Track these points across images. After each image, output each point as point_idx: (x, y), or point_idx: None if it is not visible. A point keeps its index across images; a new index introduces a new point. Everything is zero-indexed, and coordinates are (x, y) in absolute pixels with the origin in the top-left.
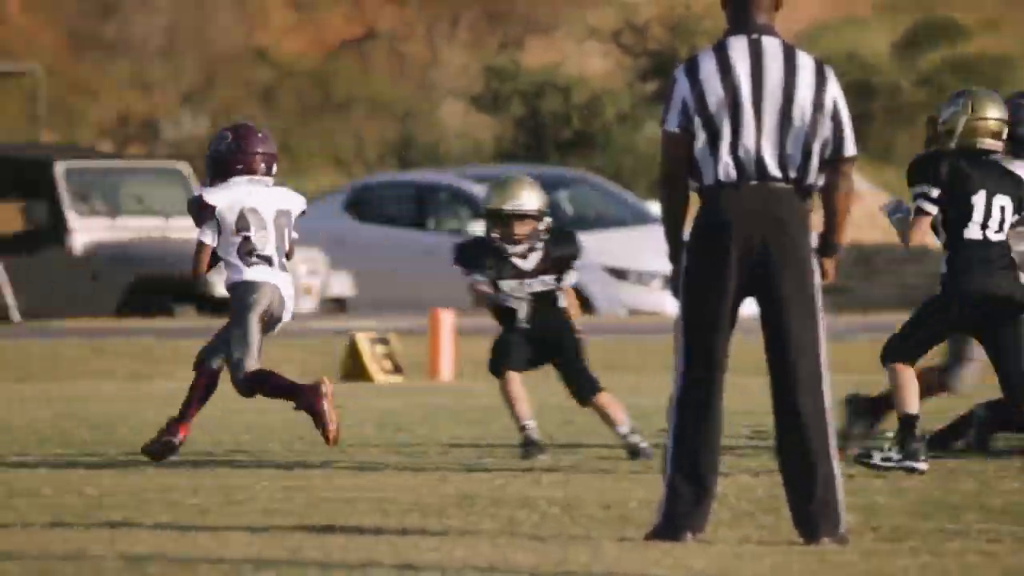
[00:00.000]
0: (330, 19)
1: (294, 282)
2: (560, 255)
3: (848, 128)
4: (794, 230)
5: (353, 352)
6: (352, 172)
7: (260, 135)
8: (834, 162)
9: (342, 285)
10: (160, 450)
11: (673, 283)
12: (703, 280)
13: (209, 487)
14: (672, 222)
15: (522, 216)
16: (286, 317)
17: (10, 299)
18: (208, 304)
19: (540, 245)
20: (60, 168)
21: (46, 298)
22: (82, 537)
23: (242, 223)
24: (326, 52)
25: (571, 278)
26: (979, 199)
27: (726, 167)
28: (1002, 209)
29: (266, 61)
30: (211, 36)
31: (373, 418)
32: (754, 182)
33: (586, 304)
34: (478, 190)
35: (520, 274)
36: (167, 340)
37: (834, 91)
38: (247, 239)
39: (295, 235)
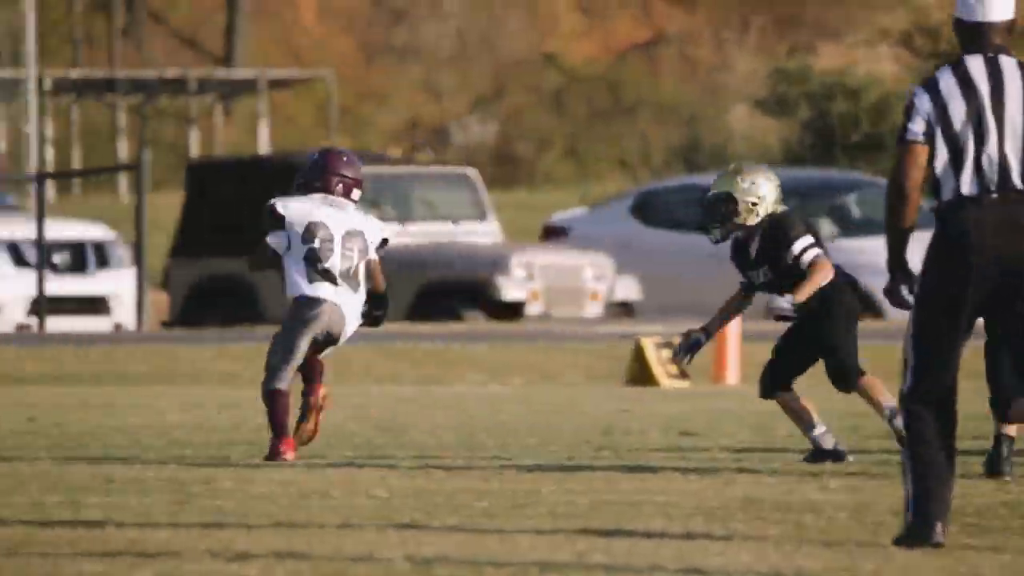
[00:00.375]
0: (618, 24)
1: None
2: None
3: None
4: None
5: (639, 356)
6: (638, 176)
7: (345, 159)
8: None
9: (628, 289)
10: None
11: (889, 291)
12: (944, 293)
13: (496, 491)
14: (900, 235)
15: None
16: (343, 339)
17: None
18: (496, 308)
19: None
20: None
21: None
22: (371, 539)
23: (308, 235)
24: (614, 56)
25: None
26: None
27: (970, 180)
28: None
29: (555, 66)
30: (500, 42)
31: (659, 423)
32: (996, 195)
33: (873, 307)
34: None
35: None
36: (455, 344)
37: None
38: (312, 250)
39: (373, 256)
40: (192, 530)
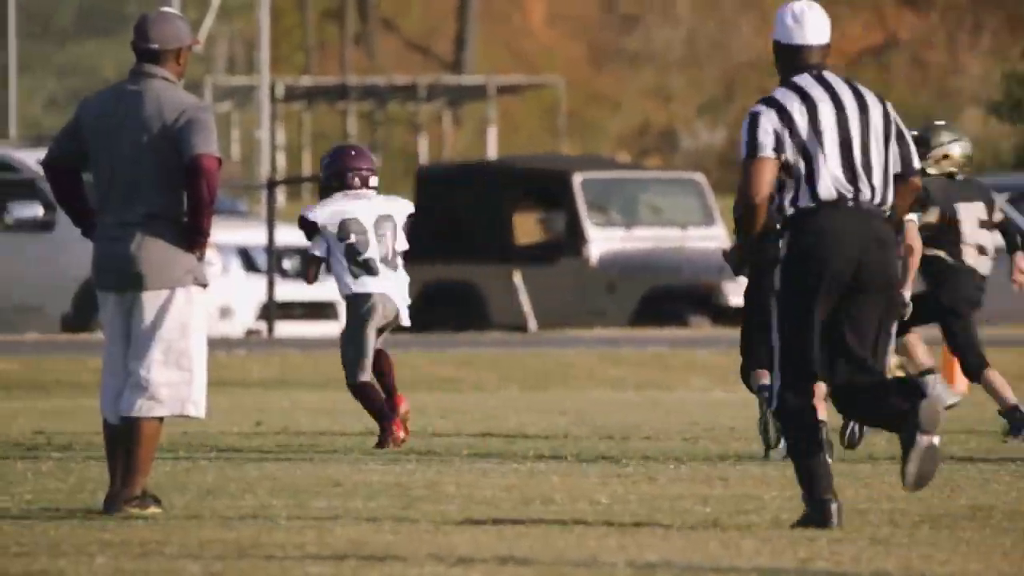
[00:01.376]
0: (850, 27)
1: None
2: None
3: (912, 146)
4: (889, 249)
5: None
6: None
7: (353, 153)
8: (905, 178)
9: None
10: None
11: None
12: (799, 296)
13: (718, 496)
14: (749, 239)
15: None
16: (403, 317)
17: (527, 308)
18: (722, 314)
19: None
20: (578, 179)
21: (562, 308)
22: (593, 544)
23: (343, 232)
24: (847, 60)
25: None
26: None
27: (821, 190)
28: None
29: None
30: (731, 46)
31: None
32: (846, 203)
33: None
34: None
35: None
36: (680, 349)
37: (894, 113)
38: (350, 246)
39: (404, 245)
40: (416, 534)
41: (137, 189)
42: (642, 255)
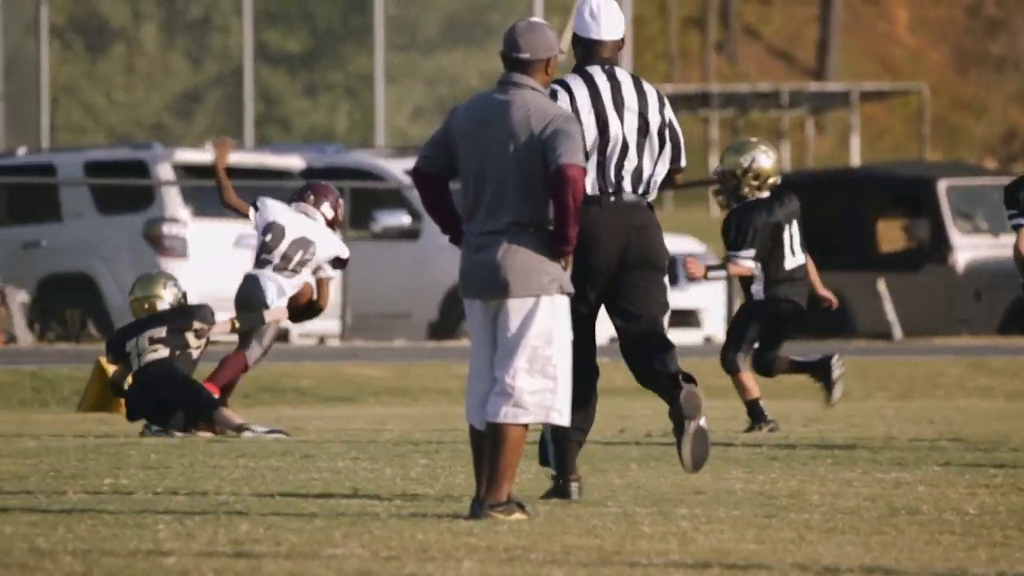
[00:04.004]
0: None
1: None
2: None
3: (682, 144)
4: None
5: None
6: None
7: (323, 183)
8: (671, 173)
9: None
10: None
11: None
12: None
13: None
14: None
15: None
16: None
17: (892, 316)
18: None
19: None
20: (943, 186)
21: (927, 316)
22: (960, 556)
23: (266, 230)
24: None
25: None
26: None
27: (591, 183)
28: None
29: None
30: None
31: None
32: (611, 197)
33: None
34: None
35: None
36: None
37: (670, 113)
38: (264, 242)
39: (328, 275)
40: (779, 543)
41: (503, 198)
42: (1010, 263)
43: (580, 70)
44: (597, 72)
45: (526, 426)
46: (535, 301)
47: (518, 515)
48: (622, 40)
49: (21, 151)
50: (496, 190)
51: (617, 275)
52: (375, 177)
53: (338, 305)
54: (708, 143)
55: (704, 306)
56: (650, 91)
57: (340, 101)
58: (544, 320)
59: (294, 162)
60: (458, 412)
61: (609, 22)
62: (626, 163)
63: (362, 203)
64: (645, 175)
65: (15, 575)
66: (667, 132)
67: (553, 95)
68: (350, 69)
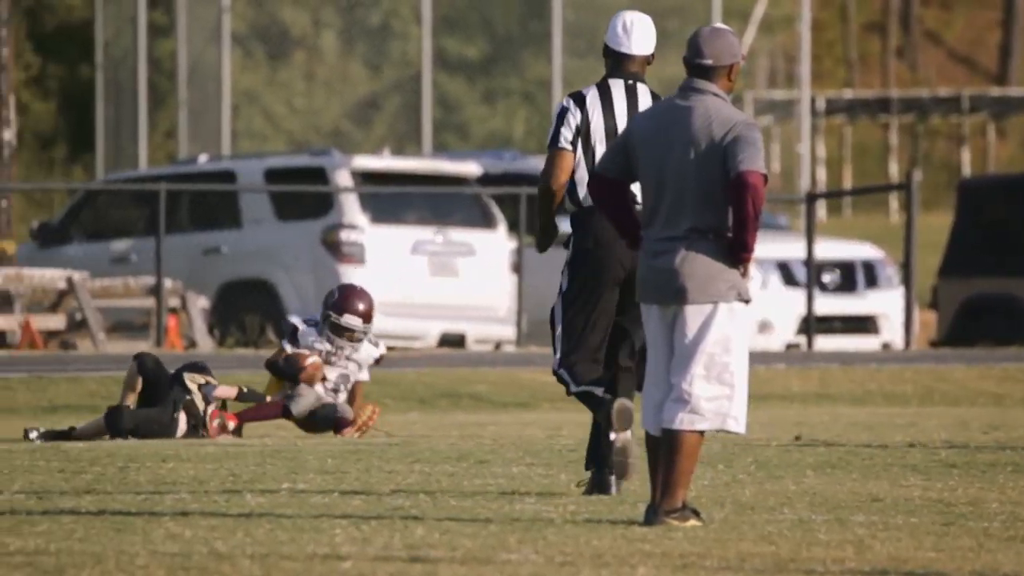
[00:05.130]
0: None
1: None
2: None
3: None
4: None
5: None
6: None
7: (358, 292)
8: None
9: None
10: None
11: (542, 245)
12: (582, 287)
13: None
14: (546, 217)
15: None
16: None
17: None
18: None
19: None
20: None
21: None
22: None
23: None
24: None
25: None
26: None
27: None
28: None
29: None
30: None
31: None
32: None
33: None
34: None
35: None
36: None
37: None
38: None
39: (362, 377)
40: (959, 551)
41: (683, 204)
42: None
43: (601, 82)
44: (617, 86)
45: (702, 433)
46: (713, 308)
47: (693, 521)
48: (651, 56)
49: (202, 158)
50: (675, 196)
51: (628, 283)
52: None
53: (514, 311)
54: (888, 149)
55: (882, 312)
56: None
57: (518, 107)
58: (722, 327)
59: (471, 169)
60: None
61: (640, 37)
62: None
63: None
64: None
65: None
66: None
67: (565, 109)
68: (528, 75)
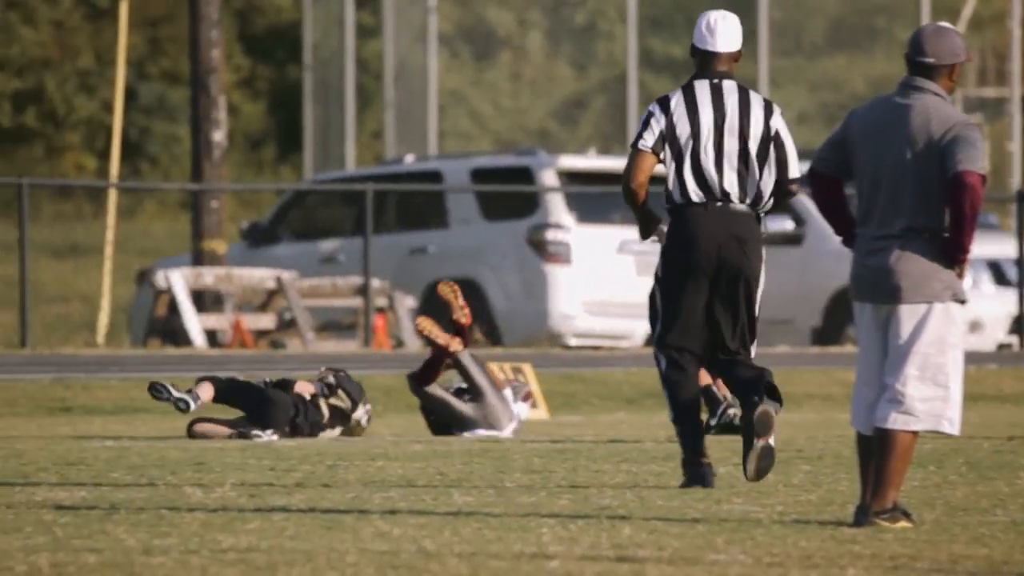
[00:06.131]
0: None
1: None
2: None
3: (789, 155)
4: (745, 245)
5: None
6: None
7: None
8: (781, 184)
9: None
10: None
11: (644, 233)
12: (677, 276)
13: None
14: (638, 211)
15: None
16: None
17: None
18: None
19: None
20: None
21: None
22: None
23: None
24: None
25: None
26: None
27: (693, 190)
28: None
29: None
30: None
31: None
32: (714, 203)
33: None
34: None
35: None
36: None
37: (778, 124)
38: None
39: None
40: None
41: (899, 202)
42: None
43: (687, 85)
44: (702, 87)
45: (916, 434)
46: (928, 308)
47: (904, 523)
48: (738, 52)
49: (409, 158)
50: (891, 194)
51: (715, 279)
52: None
53: None
54: None
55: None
56: (756, 102)
57: None
58: (936, 327)
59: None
60: (842, 419)
61: (725, 35)
62: (726, 173)
63: None
64: (749, 185)
65: None
66: (772, 143)
67: (651, 113)
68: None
